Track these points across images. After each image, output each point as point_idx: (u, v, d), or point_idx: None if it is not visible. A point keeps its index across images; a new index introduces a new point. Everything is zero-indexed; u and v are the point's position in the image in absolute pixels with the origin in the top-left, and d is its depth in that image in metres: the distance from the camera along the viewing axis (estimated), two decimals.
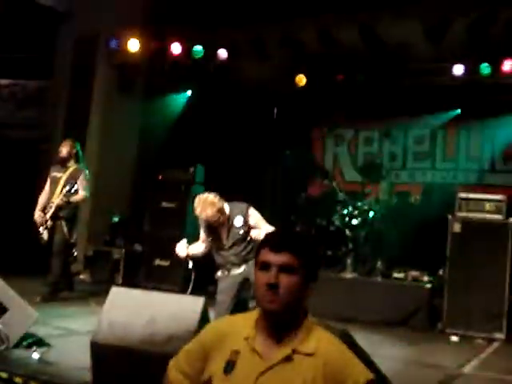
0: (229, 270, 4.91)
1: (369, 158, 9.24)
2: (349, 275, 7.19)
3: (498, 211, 6.22)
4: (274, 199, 8.95)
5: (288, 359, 1.95)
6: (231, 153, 8.89)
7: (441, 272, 6.68)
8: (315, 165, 9.53)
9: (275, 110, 8.26)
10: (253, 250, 4.75)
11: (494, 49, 7.49)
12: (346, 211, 7.71)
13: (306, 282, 2.01)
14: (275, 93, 9.24)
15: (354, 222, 7.64)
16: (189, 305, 3.52)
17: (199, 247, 4.98)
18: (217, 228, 4.86)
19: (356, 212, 7.69)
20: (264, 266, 2.00)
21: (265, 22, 7.85)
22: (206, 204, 4.74)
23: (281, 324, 2.00)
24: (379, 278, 7.04)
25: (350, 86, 8.99)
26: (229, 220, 4.86)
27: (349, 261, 7.33)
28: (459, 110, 8.76)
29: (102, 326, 3.50)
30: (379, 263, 7.21)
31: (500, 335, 5.96)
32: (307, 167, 9.00)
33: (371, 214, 7.58)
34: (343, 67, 8.70)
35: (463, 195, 6.52)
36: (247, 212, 4.92)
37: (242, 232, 4.87)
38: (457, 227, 6.33)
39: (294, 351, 1.95)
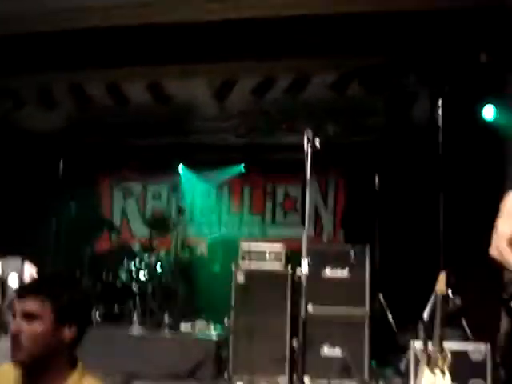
0: None
1: (157, 211, 9.31)
2: (136, 331, 7.06)
3: (277, 261, 6.56)
4: (57, 252, 8.56)
5: None
6: (15, 204, 8.41)
7: (226, 322, 6.81)
8: (103, 218, 9.36)
9: (61, 161, 8.00)
10: None
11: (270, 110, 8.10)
12: (133, 265, 7.65)
13: (58, 327, 1.87)
14: (62, 143, 8.99)
15: (142, 276, 7.59)
16: None
17: None
18: None
19: (143, 266, 7.65)
20: (13, 315, 1.87)
21: (53, 70, 7.64)
22: None
23: (36, 375, 1.85)
24: (167, 332, 7.00)
25: (139, 140, 9.10)
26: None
27: (136, 316, 7.22)
28: (243, 167, 9.24)
29: None
30: (166, 317, 7.19)
31: (283, 378, 6.20)
32: (95, 220, 8.79)
33: (159, 267, 7.59)
34: (132, 121, 8.77)
35: (245, 247, 6.79)
36: (23, 267, 4.62)
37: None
38: (240, 278, 6.54)
39: None
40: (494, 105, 7.28)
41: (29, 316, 1.84)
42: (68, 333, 1.90)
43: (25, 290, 1.89)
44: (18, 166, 8.57)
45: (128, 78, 7.84)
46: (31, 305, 1.85)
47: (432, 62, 7.02)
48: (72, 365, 1.91)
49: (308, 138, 4.22)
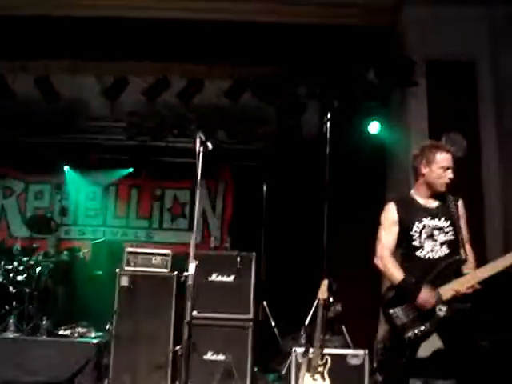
0: None
1: (38, 212, 8.94)
2: (11, 335, 6.71)
3: (163, 265, 6.47)
4: None
5: None
6: None
7: (108, 327, 6.63)
8: None
9: None
10: None
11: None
12: (10, 267, 7.27)
13: None
14: None
15: (19, 278, 7.23)
16: None
17: None
18: None
19: (22, 267, 7.29)
20: None
21: None
22: None
23: None
24: (44, 337, 6.70)
25: (23, 137, 8.73)
26: None
27: (12, 319, 6.86)
28: (132, 169, 9.07)
29: None
30: (45, 321, 6.89)
31: None
32: None
33: (38, 269, 7.26)
34: (17, 116, 8.40)
35: (131, 249, 6.65)
36: None
37: None
38: (124, 281, 6.39)
39: None
40: (379, 120, 7.62)
41: None
42: None
43: None
44: None
45: (15, 71, 7.48)
46: None
47: (323, 76, 7.23)
48: None
49: (200, 140, 4.19)
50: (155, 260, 6.49)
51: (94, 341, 6.56)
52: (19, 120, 8.41)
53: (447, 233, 4.16)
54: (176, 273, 6.37)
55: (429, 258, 4.13)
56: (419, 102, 7.18)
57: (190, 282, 4.27)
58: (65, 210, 7.86)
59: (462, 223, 4.24)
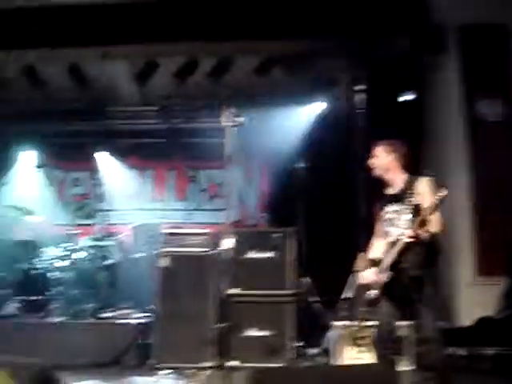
0: None
1: (77, 199, 9.07)
2: (56, 319, 6.86)
3: (201, 245, 6.52)
4: None
5: None
6: None
7: (150, 308, 6.72)
8: (21, 205, 9.00)
9: None
10: None
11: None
12: (53, 253, 7.42)
13: None
14: None
15: (63, 263, 7.37)
16: None
17: None
18: None
19: (64, 254, 7.43)
20: None
21: None
22: None
23: None
24: (88, 320, 6.84)
25: (58, 126, 8.83)
26: None
27: (56, 304, 7.02)
28: (166, 151, 9.11)
29: None
30: (89, 305, 7.02)
31: (208, 363, 6.15)
32: (12, 208, 8.44)
33: (80, 255, 7.39)
34: (50, 105, 8.50)
35: (169, 231, 6.72)
36: None
37: None
38: (164, 262, 6.46)
39: None
40: (413, 89, 7.49)
41: None
42: None
43: None
44: None
45: (45, 60, 7.55)
46: None
47: (354, 46, 7.11)
48: None
49: (232, 116, 4.19)
50: (194, 240, 6.54)
51: (138, 322, 6.67)
52: (52, 109, 8.49)
53: None
54: (215, 252, 6.41)
55: None
56: (452, 68, 7.05)
57: (226, 257, 4.28)
58: (102, 195, 7.92)
59: None
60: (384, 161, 4.50)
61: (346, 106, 7.73)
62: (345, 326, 5.75)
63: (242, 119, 4.09)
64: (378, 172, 4.60)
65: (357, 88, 6.52)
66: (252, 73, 7.47)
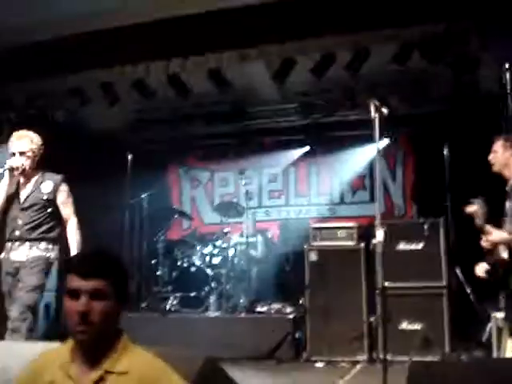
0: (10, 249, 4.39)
1: (225, 198, 9.39)
2: (212, 314, 7.17)
3: (349, 238, 6.52)
4: (131, 245, 8.73)
5: (101, 380, 1.96)
6: (85, 203, 8.58)
7: (301, 302, 6.82)
8: (174, 206, 9.50)
9: (128, 156, 8.13)
10: (54, 230, 4.46)
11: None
12: (206, 251, 7.76)
13: (118, 305, 2.03)
14: (127, 138, 9.20)
15: (215, 261, 7.69)
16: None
17: None
18: (19, 182, 4.47)
19: (216, 251, 7.76)
20: (74, 294, 1.97)
21: (113, 66, 7.76)
22: (25, 135, 4.43)
23: (95, 349, 2.00)
24: (243, 314, 7.08)
25: (203, 129, 9.19)
26: (37, 179, 4.52)
27: (212, 300, 7.33)
28: (308, 147, 9.19)
29: None
30: (242, 299, 7.27)
31: (362, 356, 6.16)
32: (165, 210, 8.93)
33: (231, 251, 7.67)
34: (195, 110, 8.86)
35: (316, 225, 6.78)
36: (60, 185, 4.56)
37: (45, 198, 4.49)
38: (313, 256, 6.54)
39: (107, 372, 1.97)
40: None
41: (98, 296, 1.97)
42: (121, 310, 2.07)
43: (90, 272, 1.98)
44: (88, 163, 8.75)
45: (188, 67, 7.87)
46: (100, 285, 1.97)
47: (493, 24, 6.75)
48: (117, 334, 2.06)
49: (375, 107, 4.15)
50: (341, 233, 6.56)
51: (290, 316, 6.80)
52: (196, 114, 8.85)
53: None
54: (363, 244, 6.38)
55: None
56: None
57: (378, 250, 4.25)
58: (249, 193, 8.14)
59: None
60: (503, 156, 4.29)
61: (492, 86, 7.37)
62: (506, 318, 5.49)
63: (386, 110, 4.06)
64: (496, 168, 4.41)
65: (503, 67, 6.20)
66: (390, 61, 7.31)
